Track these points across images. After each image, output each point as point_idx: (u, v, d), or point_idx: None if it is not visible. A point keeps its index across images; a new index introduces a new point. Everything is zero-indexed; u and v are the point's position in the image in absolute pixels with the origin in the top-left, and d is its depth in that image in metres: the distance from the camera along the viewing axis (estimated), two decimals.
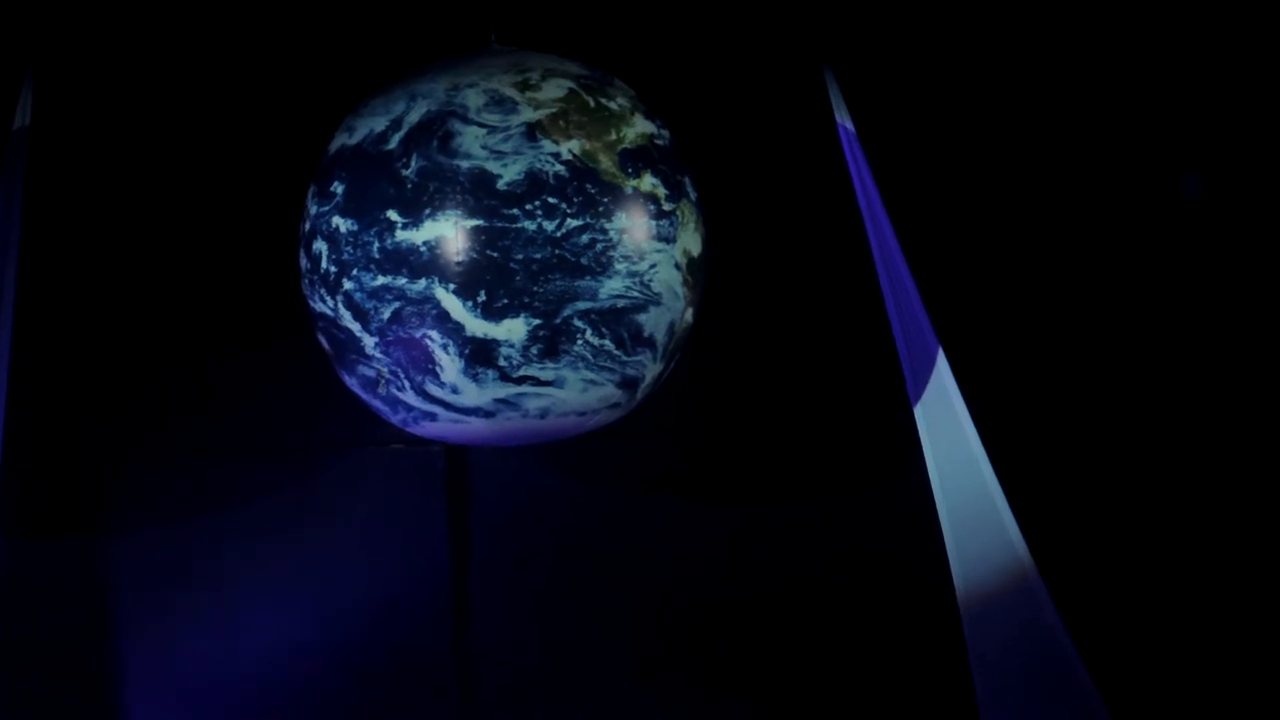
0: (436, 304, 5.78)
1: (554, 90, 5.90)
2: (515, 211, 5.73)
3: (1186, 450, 7.26)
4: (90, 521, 7.26)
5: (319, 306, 6.00)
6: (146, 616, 7.28)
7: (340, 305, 5.93)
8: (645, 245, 5.88)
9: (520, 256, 5.73)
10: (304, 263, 6.05)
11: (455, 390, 5.86)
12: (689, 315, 6.09)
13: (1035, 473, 7.03)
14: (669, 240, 5.94)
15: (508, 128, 5.81)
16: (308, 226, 6.02)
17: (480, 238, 5.73)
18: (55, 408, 7.24)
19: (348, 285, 5.88)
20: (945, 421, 6.95)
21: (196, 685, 7.33)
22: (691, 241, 6.01)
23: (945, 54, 7.28)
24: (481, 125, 5.81)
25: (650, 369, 6.04)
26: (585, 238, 5.78)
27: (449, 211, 5.75)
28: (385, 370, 5.97)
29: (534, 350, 5.79)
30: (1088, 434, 7.23)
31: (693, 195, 6.06)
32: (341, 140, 6.01)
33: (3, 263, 6.78)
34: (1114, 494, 7.18)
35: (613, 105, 5.97)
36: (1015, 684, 6.93)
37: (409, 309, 5.82)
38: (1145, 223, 7.30)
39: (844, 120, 7.01)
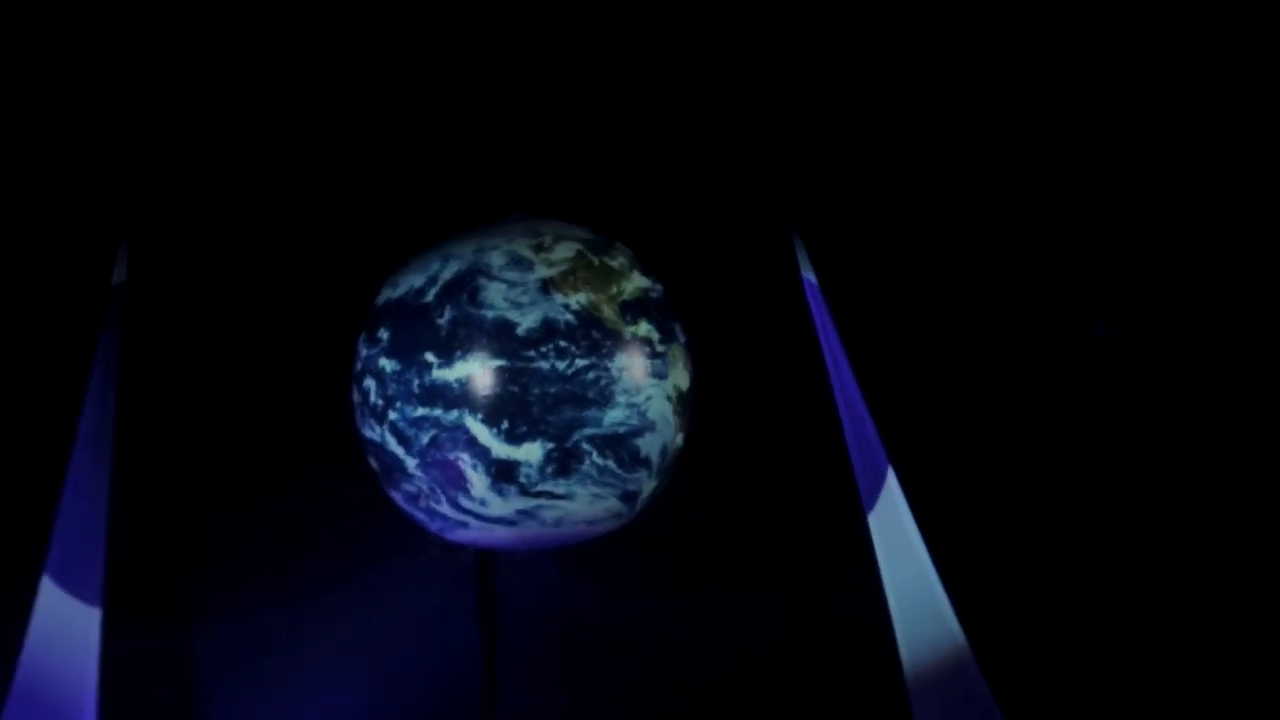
0: (467, 431, 5.81)
1: (564, 251, 5.97)
2: (532, 354, 5.80)
3: (1096, 543, 7.16)
4: (183, 615, 7.21)
5: (369, 434, 6.07)
6: (221, 695, 7.23)
7: (386, 433, 5.98)
8: (642, 381, 5.92)
9: (537, 391, 5.78)
10: (356, 397, 6.11)
11: (483, 503, 5.88)
12: (679, 439, 6.11)
13: (971, 569, 6.92)
14: (662, 376, 5.98)
15: (526, 283, 5.87)
16: (359, 366, 6.11)
17: (503, 375, 5.78)
18: (155, 520, 7.14)
19: (393, 416, 5.94)
20: (894, 528, 6.97)
21: None
22: (681, 378, 6.06)
23: (896, 219, 7.25)
24: (504, 281, 5.87)
25: (647, 485, 6.07)
26: (591, 375, 5.83)
27: (477, 353, 5.81)
28: (424, 488, 6.00)
29: (549, 470, 5.83)
30: (1014, 538, 7.15)
31: (681, 339, 6.13)
32: (387, 294, 6.12)
33: (104, 400, 6.79)
34: (1037, 585, 7.11)
35: (614, 264, 6.04)
36: None
37: (444, 435, 5.85)
38: (1066, 363, 7.27)
39: (808, 274, 7.09)
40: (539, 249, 5.97)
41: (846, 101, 7.23)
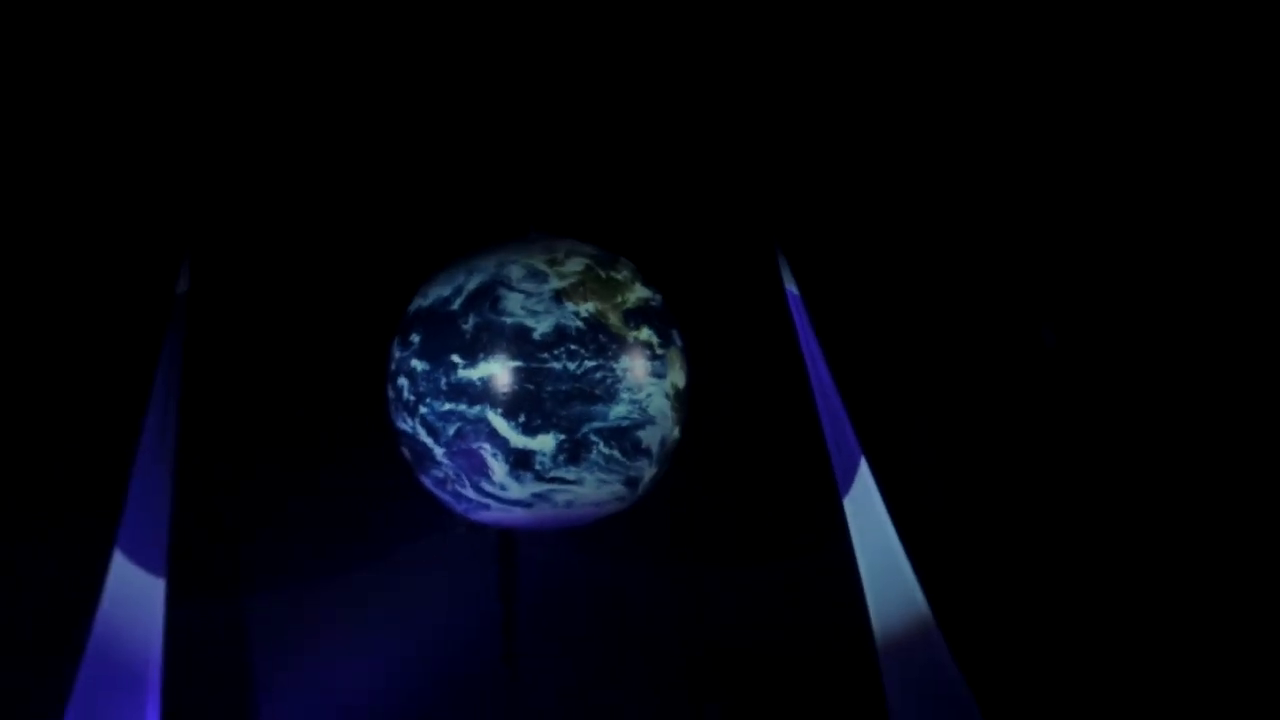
0: (488, 424, 5.93)
1: (575, 265, 6.09)
2: (546, 355, 5.90)
3: (1049, 524, 7.01)
4: (235, 586, 7.22)
5: (402, 426, 6.18)
6: (271, 657, 7.23)
7: (417, 425, 6.10)
8: (643, 380, 6.04)
9: (550, 389, 5.89)
10: (391, 393, 6.22)
11: (503, 488, 6.00)
12: (676, 431, 6.22)
13: (935, 547, 6.92)
14: (661, 376, 6.10)
15: (541, 293, 5.98)
16: (393, 367, 6.21)
17: (520, 375, 5.89)
18: (213, 501, 7.14)
19: (423, 410, 6.05)
20: (866, 511, 7.04)
21: (312, 707, 7.22)
22: (678, 377, 6.18)
23: (868, 240, 7.12)
24: (521, 292, 5.99)
25: (647, 472, 6.18)
26: (599, 374, 5.94)
27: (497, 355, 5.92)
28: (451, 474, 6.11)
29: (561, 458, 5.94)
30: (974, 519, 6.99)
31: (678, 343, 6.24)
32: (418, 303, 6.23)
33: (169, 393, 6.87)
34: (995, 561, 6.95)
35: (618, 276, 6.16)
36: (918, 704, 6.99)
37: (468, 428, 5.97)
38: (1018, 365, 7.08)
39: (791, 287, 7.14)
40: (553, 263, 6.06)
41: (825, 143, 7.07)
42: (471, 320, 5.99)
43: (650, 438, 6.09)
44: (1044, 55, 6.93)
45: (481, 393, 5.92)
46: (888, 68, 6.96)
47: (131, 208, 6.87)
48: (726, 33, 6.94)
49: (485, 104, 6.95)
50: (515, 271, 6.05)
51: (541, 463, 5.93)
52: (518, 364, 5.91)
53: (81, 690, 6.53)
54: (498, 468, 5.97)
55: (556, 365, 5.90)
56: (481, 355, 5.94)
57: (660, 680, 7.36)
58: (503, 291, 6.00)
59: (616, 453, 6.01)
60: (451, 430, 6.00)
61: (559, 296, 5.99)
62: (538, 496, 6.02)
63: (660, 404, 6.10)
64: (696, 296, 6.78)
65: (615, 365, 5.98)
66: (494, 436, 5.93)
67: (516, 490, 6.00)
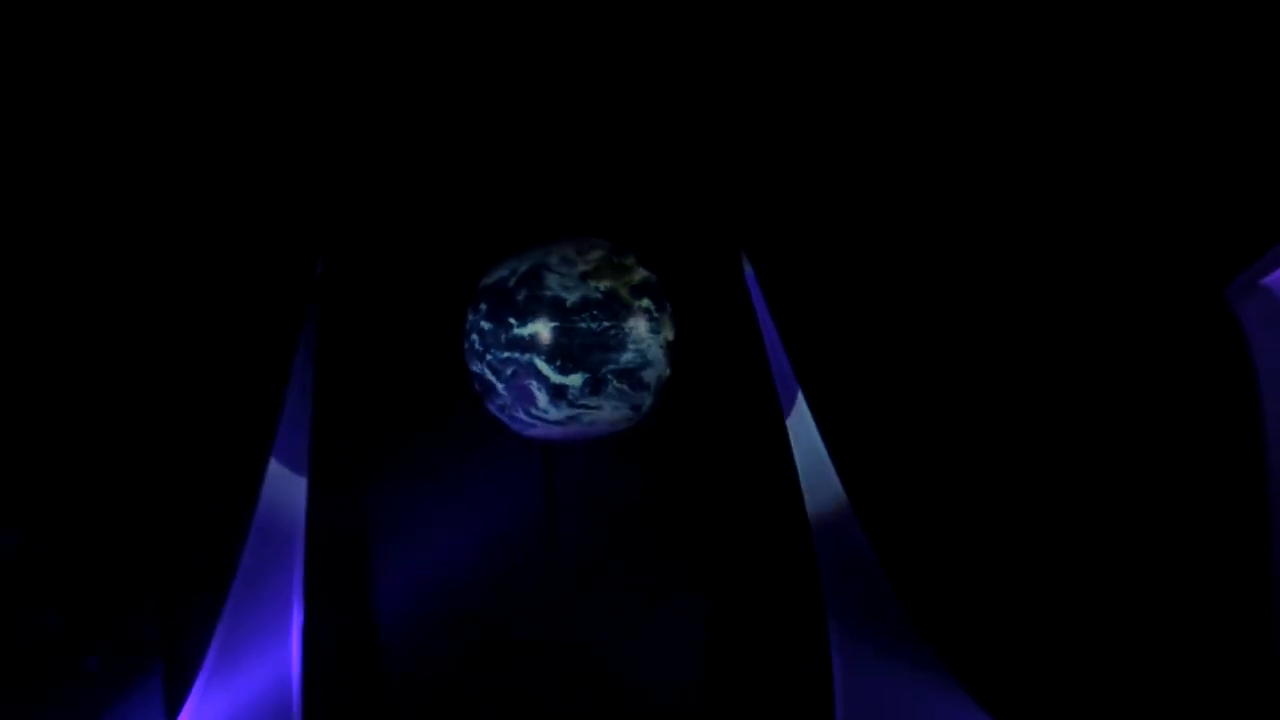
0: (535, 367, 6.61)
1: (595, 255, 6.78)
2: (576, 318, 6.59)
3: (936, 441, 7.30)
4: (357, 486, 7.74)
5: (475, 368, 6.87)
6: (385, 537, 7.74)
7: (485, 368, 6.81)
8: (645, 335, 6.72)
9: (578, 341, 6.58)
10: (466, 345, 6.90)
11: (545, 412, 6.71)
12: (668, 371, 6.89)
13: (850, 453, 7.34)
14: (657, 333, 6.80)
15: (571, 274, 6.65)
16: (468, 326, 6.87)
17: (557, 332, 6.60)
18: (341, 419, 7.62)
19: (489, 357, 6.75)
20: (802, 427, 7.61)
21: (409, 575, 7.72)
22: (669, 333, 6.88)
23: (803, 241, 7.42)
24: (558, 273, 6.66)
25: (647, 400, 6.89)
26: (613, 332, 6.61)
27: (541, 318, 6.62)
28: (508, 402, 6.74)
29: (586, 390, 6.62)
30: (879, 433, 7.29)
31: (669, 309, 6.90)
32: (485, 281, 6.89)
33: (309, 345, 7.45)
34: (892, 460, 7.27)
35: (626, 262, 6.81)
36: (838, 562, 7.54)
37: (520, 369, 6.64)
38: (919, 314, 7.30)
39: (749, 269, 7.65)
40: (580, 254, 6.74)
41: (773, 169, 7.36)
42: (523, 293, 6.66)
43: (649, 376, 6.79)
44: (953, 65, 7.21)
45: (530, 344, 6.61)
46: (823, 100, 7.30)
47: (285, 215, 7.38)
48: (696, 85, 7.36)
49: (536, 147, 7.45)
50: (554, 259, 6.71)
51: (572, 394, 6.62)
52: (555, 324, 6.60)
53: (247, 561, 7.23)
54: (541, 398, 6.66)
55: (583, 325, 6.57)
56: (529, 318, 6.62)
57: (653, 547, 7.81)
58: (545, 273, 6.67)
59: (625, 387, 6.70)
60: (509, 371, 6.67)
61: (584, 276, 6.66)
62: (570, 418, 6.71)
63: (656, 352, 6.79)
64: (682, 276, 7.30)
65: (624, 325, 6.65)
66: (539, 375, 6.62)
67: (555, 414, 6.71)
